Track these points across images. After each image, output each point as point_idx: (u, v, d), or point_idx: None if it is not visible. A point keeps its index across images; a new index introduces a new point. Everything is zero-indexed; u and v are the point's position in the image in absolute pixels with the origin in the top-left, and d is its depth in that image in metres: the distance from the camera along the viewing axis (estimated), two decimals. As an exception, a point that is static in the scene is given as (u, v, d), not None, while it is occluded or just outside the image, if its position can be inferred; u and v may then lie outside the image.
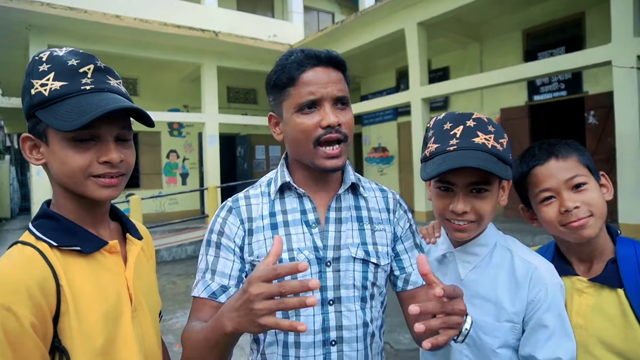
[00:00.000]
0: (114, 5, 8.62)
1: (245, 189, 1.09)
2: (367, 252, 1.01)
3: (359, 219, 1.04)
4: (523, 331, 1.00)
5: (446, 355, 1.09)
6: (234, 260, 0.99)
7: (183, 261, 8.03)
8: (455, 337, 0.79)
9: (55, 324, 0.74)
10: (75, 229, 0.83)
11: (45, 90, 0.78)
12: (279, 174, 1.05)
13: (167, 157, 11.81)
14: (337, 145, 0.95)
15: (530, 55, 8.40)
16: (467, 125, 0.99)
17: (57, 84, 0.79)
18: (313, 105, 0.94)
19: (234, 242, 1.00)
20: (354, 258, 1.00)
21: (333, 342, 0.97)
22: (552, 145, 1.07)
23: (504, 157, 0.98)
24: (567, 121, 9.12)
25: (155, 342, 0.92)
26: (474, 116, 1.00)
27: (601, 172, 1.09)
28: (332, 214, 1.02)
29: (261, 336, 1.01)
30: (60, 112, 0.77)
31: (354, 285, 0.99)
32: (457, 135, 0.98)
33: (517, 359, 1.02)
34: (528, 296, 0.99)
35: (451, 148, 0.97)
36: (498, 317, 1.01)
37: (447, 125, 1.01)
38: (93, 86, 0.81)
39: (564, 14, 7.88)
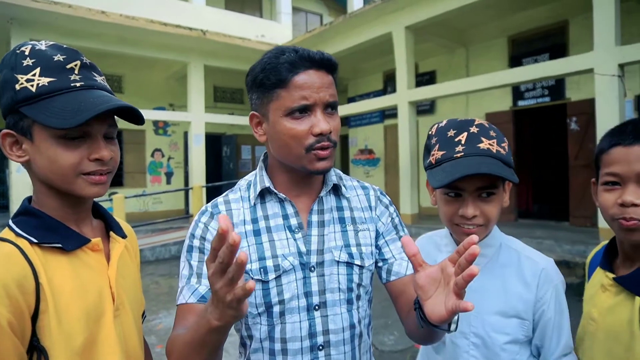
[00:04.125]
0: (100, 1, 8.50)
1: (225, 193, 1.05)
2: (350, 255, 0.99)
3: (342, 220, 1.03)
4: (533, 329, 1.06)
5: (453, 356, 1.11)
6: None
7: (167, 261, 7.94)
8: (449, 326, 0.78)
9: (34, 322, 0.73)
10: (56, 226, 0.81)
11: (32, 85, 0.76)
12: (257, 178, 1.01)
13: (152, 155, 11.67)
14: (327, 149, 0.93)
15: (515, 61, 8.53)
16: (471, 131, 1.01)
17: (45, 80, 0.77)
18: (305, 110, 0.90)
19: None
20: (337, 262, 0.98)
21: (320, 347, 0.96)
22: None
23: (507, 160, 1.01)
24: (550, 127, 9.28)
25: (137, 343, 0.91)
26: (476, 122, 1.03)
27: None
28: (315, 217, 1.00)
29: (247, 341, 0.99)
30: (51, 109, 0.75)
31: (339, 288, 0.98)
32: (462, 142, 1.00)
33: (525, 351, 1.07)
34: (537, 294, 1.04)
35: (458, 155, 0.99)
36: (506, 314, 1.05)
37: (451, 132, 1.03)
38: (82, 83, 0.80)
39: (549, 21, 8.03)
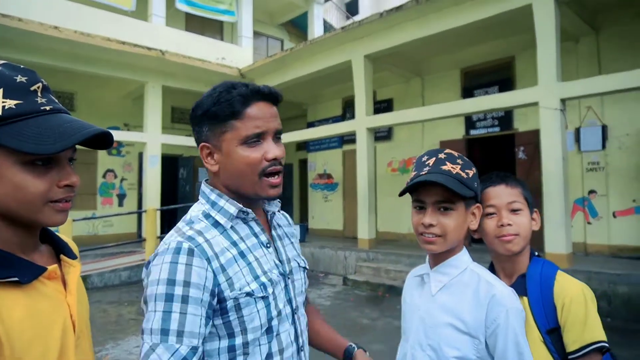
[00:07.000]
0: (54, 16, 8.21)
1: (184, 227, 0.98)
2: (303, 261, 1.18)
3: (285, 235, 1.18)
4: (490, 353, 1.10)
5: None
6: (201, 315, 0.88)
7: (116, 287, 7.55)
8: None
9: None
10: (9, 258, 0.74)
11: None
12: (223, 205, 1.01)
13: (104, 176, 11.22)
14: (277, 175, 1.02)
15: (467, 92, 8.96)
16: (439, 157, 1.20)
17: (11, 103, 0.72)
18: (258, 138, 0.98)
19: (204, 288, 0.88)
20: (301, 267, 1.14)
21: (301, 348, 1.06)
22: (506, 175, 1.35)
23: (467, 183, 1.16)
24: (500, 155, 9.73)
25: None
26: (445, 151, 1.22)
27: (535, 209, 1.34)
28: (274, 232, 1.12)
29: None
30: (25, 133, 0.71)
31: (302, 291, 1.13)
32: (430, 164, 1.19)
33: None
34: (487, 315, 1.10)
35: (424, 173, 1.18)
36: (459, 329, 1.14)
37: (425, 158, 1.23)
38: (52, 106, 0.77)
39: (497, 56, 8.52)
